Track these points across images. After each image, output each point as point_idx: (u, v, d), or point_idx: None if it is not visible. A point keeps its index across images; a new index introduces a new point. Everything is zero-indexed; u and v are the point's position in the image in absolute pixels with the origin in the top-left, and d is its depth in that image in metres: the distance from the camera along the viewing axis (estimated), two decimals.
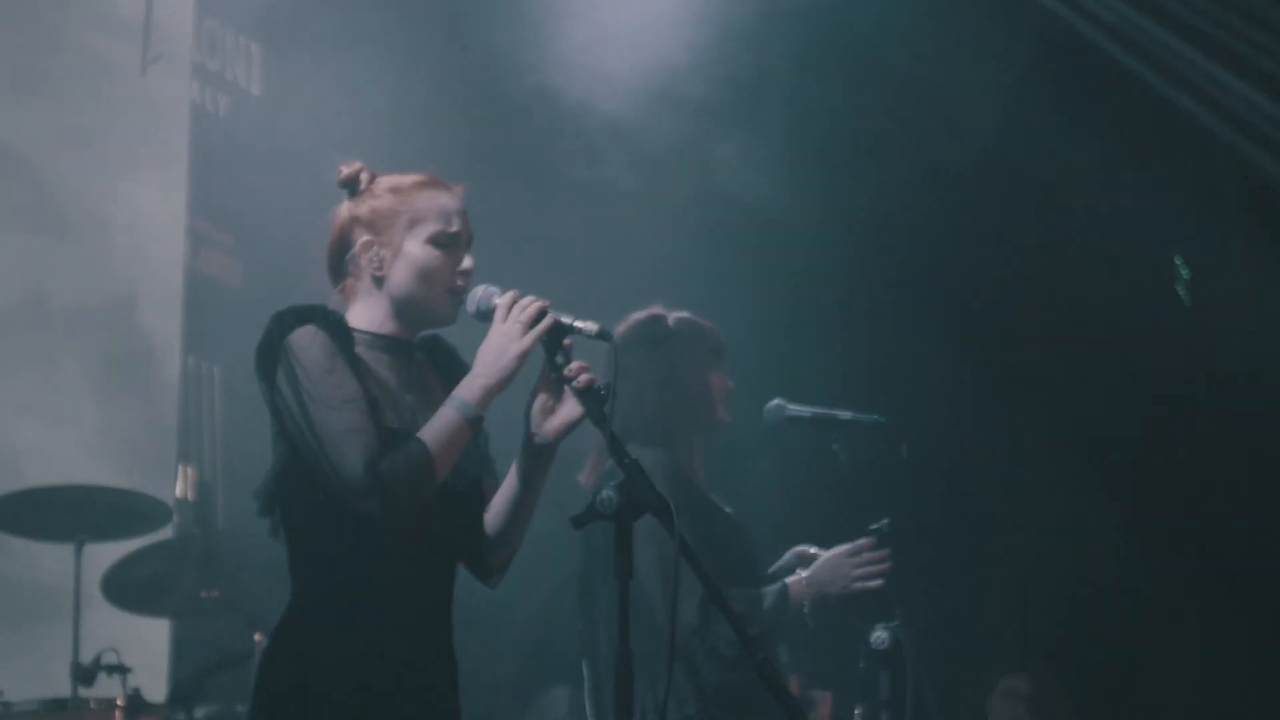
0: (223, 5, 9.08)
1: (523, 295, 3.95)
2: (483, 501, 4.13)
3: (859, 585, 5.21)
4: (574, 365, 3.93)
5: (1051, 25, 8.25)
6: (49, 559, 7.35)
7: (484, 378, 3.89)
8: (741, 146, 8.15)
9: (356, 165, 4.17)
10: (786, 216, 8.27)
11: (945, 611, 7.73)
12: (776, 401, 5.51)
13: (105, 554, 7.22)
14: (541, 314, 3.91)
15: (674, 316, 5.59)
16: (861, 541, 5.24)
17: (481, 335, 3.96)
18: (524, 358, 3.90)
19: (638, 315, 5.60)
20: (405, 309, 4.05)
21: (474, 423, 3.90)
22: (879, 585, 5.20)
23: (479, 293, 4.00)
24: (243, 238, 8.93)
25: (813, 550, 5.33)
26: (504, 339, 3.89)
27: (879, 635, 5.08)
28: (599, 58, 7.99)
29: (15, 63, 7.91)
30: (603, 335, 3.89)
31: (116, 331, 8.20)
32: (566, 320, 3.92)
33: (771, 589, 5.22)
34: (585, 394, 3.90)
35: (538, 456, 4.05)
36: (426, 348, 4.17)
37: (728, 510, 5.48)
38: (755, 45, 8.11)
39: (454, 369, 4.14)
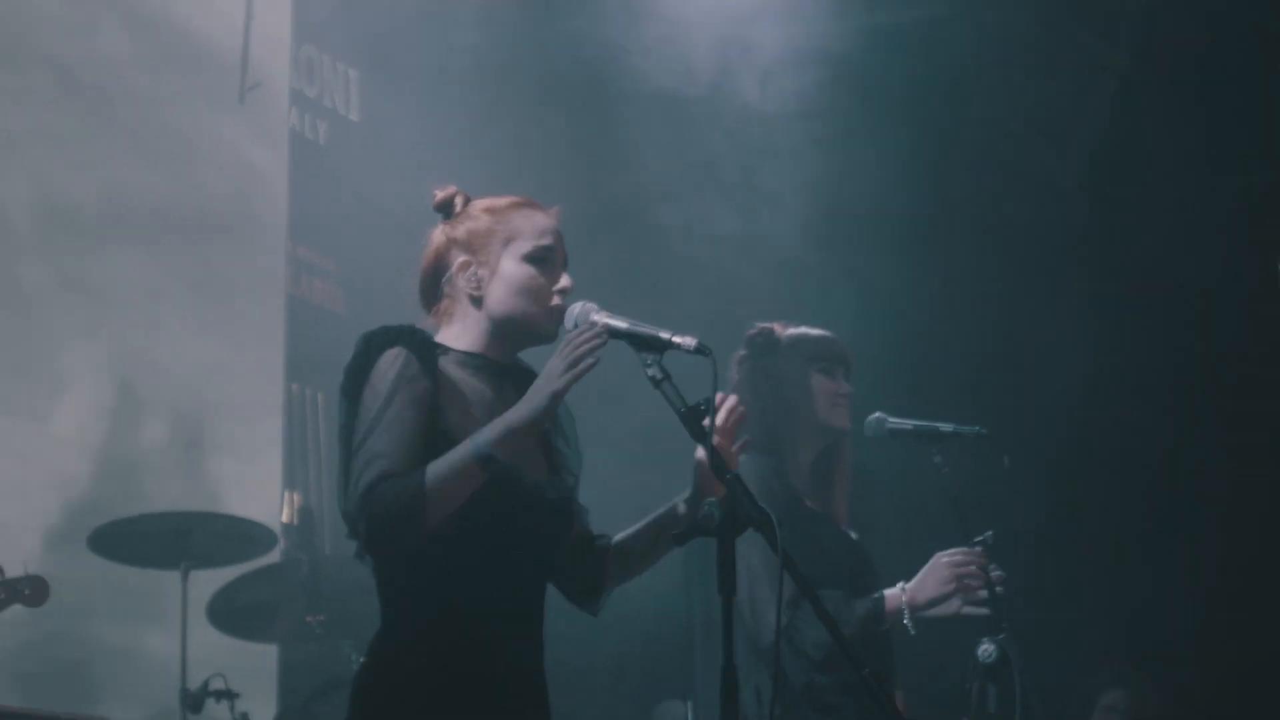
0: (319, 32, 9.15)
1: (600, 325, 3.80)
2: (570, 528, 4.06)
3: (959, 589, 5.13)
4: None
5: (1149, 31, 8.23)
6: (155, 585, 7.39)
7: (512, 416, 3.75)
8: (850, 153, 8.16)
9: (451, 189, 4.15)
10: (883, 226, 8.26)
11: (1048, 625, 7.67)
12: (877, 415, 5.46)
13: (211, 580, 7.26)
14: (595, 346, 3.74)
15: (784, 329, 5.57)
16: (961, 550, 5.17)
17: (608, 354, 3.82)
18: (559, 399, 3.73)
19: (750, 331, 5.60)
20: (505, 327, 4.00)
21: (485, 462, 3.71)
22: (980, 592, 5.13)
23: (577, 309, 3.93)
24: (344, 263, 8.98)
25: None
26: (545, 377, 3.75)
27: (986, 648, 5.02)
28: (701, 71, 8.04)
29: (115, 95, 7.97)
30: (700, 350, 3.76)
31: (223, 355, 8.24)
32: (665, 335, 3.81)
33: (867, 598, 5.18)
34: (685, 412, 3.80)
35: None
36: (515, 374, 4.04)
37: (842, 527, 5.46)
38: (867, 57, 8.14)
39: None
